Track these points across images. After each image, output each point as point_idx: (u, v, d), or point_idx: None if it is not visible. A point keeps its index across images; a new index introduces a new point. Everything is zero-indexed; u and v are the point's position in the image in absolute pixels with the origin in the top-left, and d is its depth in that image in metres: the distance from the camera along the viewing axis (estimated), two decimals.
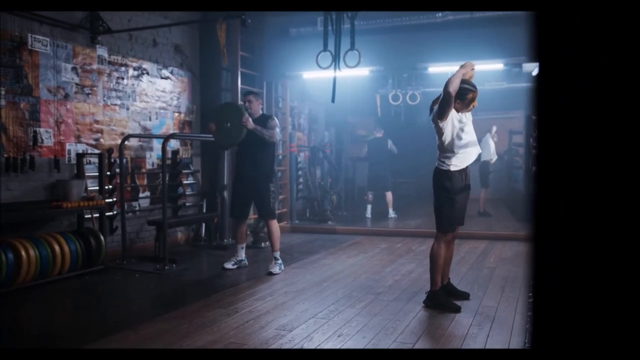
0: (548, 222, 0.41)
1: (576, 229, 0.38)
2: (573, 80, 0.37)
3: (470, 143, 4.03)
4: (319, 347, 3.24)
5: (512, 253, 6.25)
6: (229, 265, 5.47)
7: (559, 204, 0.39)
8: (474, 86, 4.00)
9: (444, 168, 4.02)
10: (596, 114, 0.36)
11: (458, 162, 4.00)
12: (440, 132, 3.99)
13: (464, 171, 4.07)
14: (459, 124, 3.99)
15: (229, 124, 5.27)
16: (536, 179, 0.39)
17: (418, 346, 3.27)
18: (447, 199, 4.02)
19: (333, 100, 5.04)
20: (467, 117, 4.06)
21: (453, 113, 3.96)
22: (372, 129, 9.92)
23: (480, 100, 4.12)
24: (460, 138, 3.98)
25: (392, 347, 3.24)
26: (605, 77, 0.37)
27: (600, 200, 0.37)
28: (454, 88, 3.82)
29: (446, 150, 4.00)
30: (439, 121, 3.96)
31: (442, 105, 3.89)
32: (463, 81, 3.92)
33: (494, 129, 9.80)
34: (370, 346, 3.25)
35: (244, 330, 3.54)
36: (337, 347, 3.25)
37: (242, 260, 5.56)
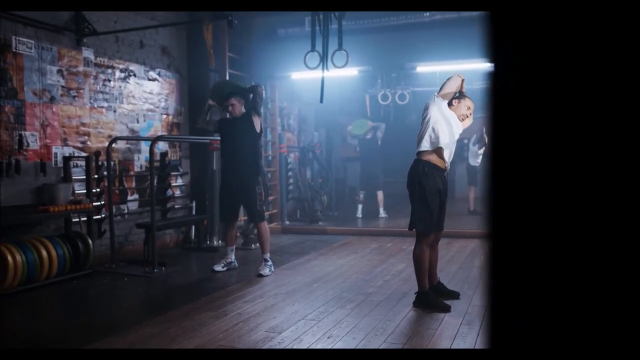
0: (505, 220, 0.40)
1: (535, 227, 0.37)
2: (526, 81, 0.36)
3: (449, 144, 4.01)
4: (308, 349, 3.22)
5: None
6: (218, 267, 5.44)
7: (514, 203, 0.39)
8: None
9: (419, 161, 3.99)
10: (552, 112, 0.36)
11: (434, 158, 3.97)
12: (425, 115, 3.99)
13: (441, 172, 4.03)
14: (446, 118, 3.99)
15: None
16: (492, 178, 0.38)
17: (408, 347, 3.26)
18: (419, 197, 3.97)
19: (321, 101, 5.03)
20: (457, 123, 4.07)
21: (446, 108, 4.01)
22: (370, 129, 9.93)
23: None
24: (445, 130, 3.97)
25: (383, 347, 3.23)
26: (561, 77, 0.36)
27: (556, 198, 0.36)
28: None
29: (423, 139, 3.97)
30: (435, 97, 4.00)
31: (446, 82, 4.07)
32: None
33: (475, 137, 9.75)
34: (360, 347, 3.23)
35: (234, 333, 3.52)
36: (327, 348, 3.23)
37: (231, 262, 5.54)
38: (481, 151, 9.79)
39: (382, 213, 9.61)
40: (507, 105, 0.39)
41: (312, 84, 7.37)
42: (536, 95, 0.37)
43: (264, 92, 5.49)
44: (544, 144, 0.38)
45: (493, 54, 0.37)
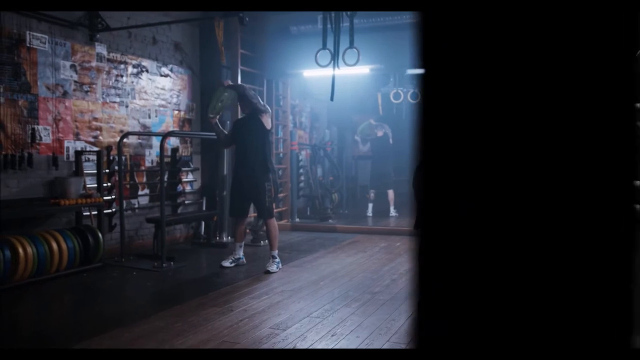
0: (434, 221, 0.40)
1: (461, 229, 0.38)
2: (458, 83, 0.36)
3: None
4: (311, 347, 3.23)
5: None
6: (226, 263, 5.47)
7: (442, 204, 0.39)
8: None
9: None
10: (481, 116, 0.36)
11: None
12: None
13: None
14: None
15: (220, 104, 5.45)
16: (423, 178, 0.39)
17: (411, 347, 3.25)
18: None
19: (332, 99, 5.04)
20: None
21: None
22: (374, 127, 9.92)
23: None
24: None
25: (386, 347, 3.23)
26: (490, 79, 0.36)
27: (483, 196, 0.37)
28: None
29: None
30: None
31: None
32: None
33: None
34: (363, 346, 3.24)
35: (238, 329, 3.54)
36: (330, 346, 3.24)
37: (240, 258, 5.56)
38: None
39: (392, 212, 9.60)
40: (431, 105, 0.40)
41: (325, 81, 7.39)
42: (453, 96, 0.37)
43: (244, 88, 5.41)
44: (470, 142, 0.38)
45: (418, 55, 0.38)
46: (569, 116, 0.36)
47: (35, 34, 5.11)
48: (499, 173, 0.37)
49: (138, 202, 6.38)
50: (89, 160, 5.65)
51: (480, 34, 0.36)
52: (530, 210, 0.37)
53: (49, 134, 5.25)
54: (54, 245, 4.79)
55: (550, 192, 0.36)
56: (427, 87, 0.38)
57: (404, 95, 9.00)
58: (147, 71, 6.46)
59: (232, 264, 5.48)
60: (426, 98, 0.39)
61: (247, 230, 6.50)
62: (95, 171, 5.65)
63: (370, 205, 9.65)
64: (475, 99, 0.36)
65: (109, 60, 5.92)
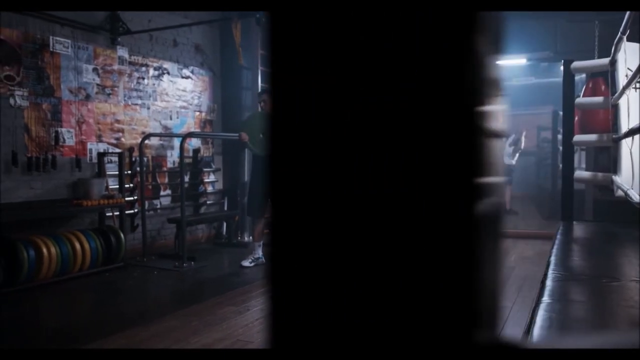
0: (282, 220, 0.40)
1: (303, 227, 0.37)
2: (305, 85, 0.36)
3: None
4: None
5: (534, 252, 6.11)
6: (246, 263, 5.51)
7: (288, 204, 0.39)
8: None
9: None
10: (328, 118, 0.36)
11: None
12: None
13: None
14: None
15: (262, 135, 5.39)
16: (272, 178, 0.39)
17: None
18: None
19: None
20: None
21: None
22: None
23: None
24: None
25: None
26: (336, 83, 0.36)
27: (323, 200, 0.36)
28: None
29: None
30: None
31: None
32: None
33: (512, 138, 9.44)
34: None
35: (253, 328, 3.56)
36: None
37: (259, 258, 5.59)
38: (517, 153, 9.60)
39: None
40: (281, 104, 0.39)
41: None
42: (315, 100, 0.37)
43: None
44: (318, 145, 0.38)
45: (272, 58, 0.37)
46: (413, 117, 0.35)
47: (58, 38, 5.22)
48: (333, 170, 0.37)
49: (160, 203, 6.47)
50: (111, 161, 5.76)
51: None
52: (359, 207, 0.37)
53: (72, 136, 5.36)
54: (77, 246, 4.89)
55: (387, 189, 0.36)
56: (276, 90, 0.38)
57: None
58: (168, 73, 6.54)
59: (252, 264, 5.51)
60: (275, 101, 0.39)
61: (267, 230, 6.52)
62: (117, 172, 5.75)
63: None
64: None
65: (130, 63, 6.02)
